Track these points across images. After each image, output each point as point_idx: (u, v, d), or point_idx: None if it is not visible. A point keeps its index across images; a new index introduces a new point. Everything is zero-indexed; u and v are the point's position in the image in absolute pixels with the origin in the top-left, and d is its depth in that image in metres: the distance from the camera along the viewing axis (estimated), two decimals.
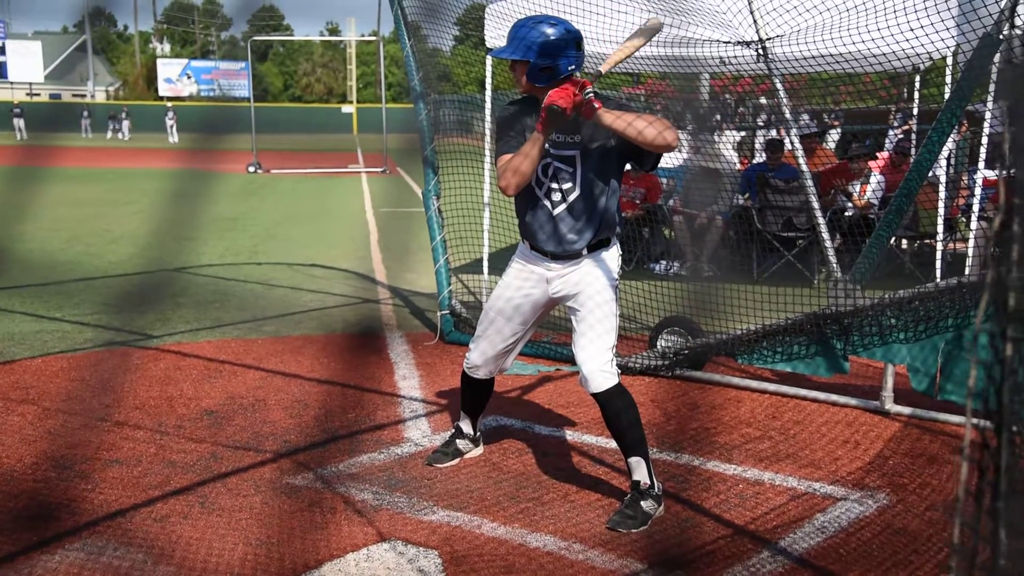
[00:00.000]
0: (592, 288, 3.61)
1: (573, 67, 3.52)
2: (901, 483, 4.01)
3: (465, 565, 3.17)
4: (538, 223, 3.65)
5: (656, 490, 3.58)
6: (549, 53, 3.48)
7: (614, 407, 3.57)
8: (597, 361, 3.55)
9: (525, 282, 3.75)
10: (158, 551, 3.21)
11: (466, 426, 4.21)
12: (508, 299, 3.79)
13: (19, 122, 43.34)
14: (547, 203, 3.62)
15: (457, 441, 4.19)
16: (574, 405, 5.01)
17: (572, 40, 3.52)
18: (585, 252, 3.63)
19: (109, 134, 46.77)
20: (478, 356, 3.94)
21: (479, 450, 4.26)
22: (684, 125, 8.75)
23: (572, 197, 3.59)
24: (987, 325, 1.32)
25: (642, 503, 3.52)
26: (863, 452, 4.40)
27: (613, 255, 3.69)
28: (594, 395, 3.59)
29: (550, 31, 3.50)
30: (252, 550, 3.23)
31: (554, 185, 3.59)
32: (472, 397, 4.15)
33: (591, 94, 3.40)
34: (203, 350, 6.01)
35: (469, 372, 4.02)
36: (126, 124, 47.33)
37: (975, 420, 1.30)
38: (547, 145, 3.54)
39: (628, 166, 3.70)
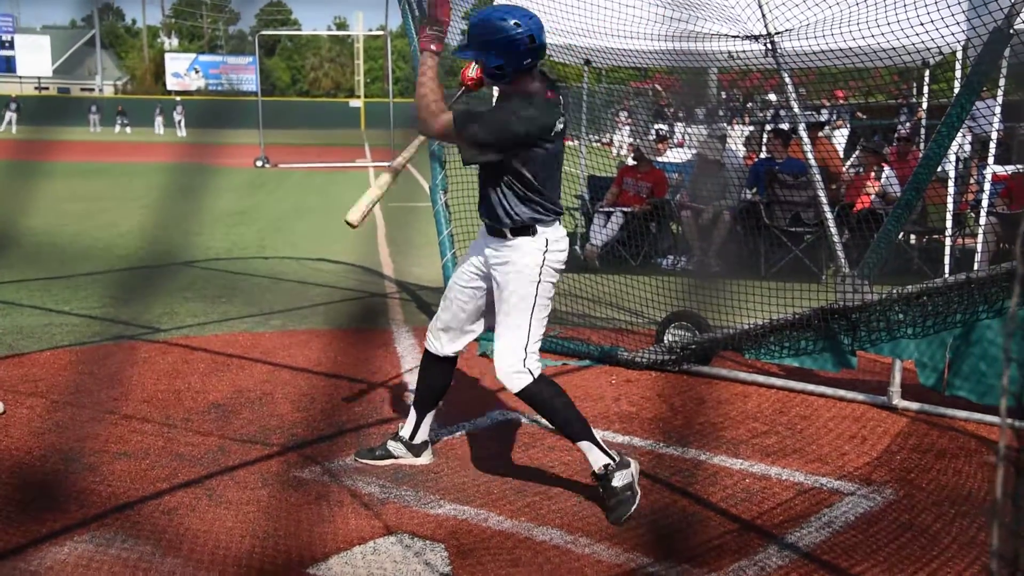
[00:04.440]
0: (508, 287, 3.57)
1: (529, 60, 3.46)
2: (908, 478, 4.00)
3: (471, 558, 3.17)
4: (480, 193, 3.68)
5: (615, 459, 3.52)
6: (499, 51, 3.43)
7: (534, 404, 3.60)
8: (505, 362, 3.55)
9: (477, 254, 3.75)
10: (166, 543, 3.22)
11: (407, 428, 3.99)
12: (464, 270, 3.80)
13: (11, 116, 43.42)
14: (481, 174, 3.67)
15: (389, 443, 4.02)
16: (580, 399, 5.00)
17: (523, 37, 3.41)
18: (509, 235, 3.57)
19: (117, 128, 46.85)
20: (436, 323, 3.88)
21: (421, 461, 4.00)
22: (694, 117, 8.73)
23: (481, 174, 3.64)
24: (999, 322, 1.30)
25: (612, 483, 3.49)
26: (870, 447, 4.39)
27: (536, 243, 3.55)
28: (516, 395, 3.59)
29: (501, 27, 3.42)
30: (259, 543, 3.24)
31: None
32: (427, 385, 3.96)
33: (433, 32, 3.50)
34: (210, 344, 6.02)
35: (427, 345, 3.91)
36: (159, 120, 47.57)
37: (1010, 420, 1.28)
38: None
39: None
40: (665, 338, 5.64)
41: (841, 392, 5.11)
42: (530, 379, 3.54)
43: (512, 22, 3.42)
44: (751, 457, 4.22)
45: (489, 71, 3.52)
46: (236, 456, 4.08)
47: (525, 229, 3.55)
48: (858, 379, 5.28)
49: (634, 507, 3.46)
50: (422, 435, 4.01)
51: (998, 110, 6.37)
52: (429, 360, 3.95)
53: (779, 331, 5.06)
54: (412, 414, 4.01)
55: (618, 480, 3.50)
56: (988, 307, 4.41)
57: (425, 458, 4.03)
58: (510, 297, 3.55)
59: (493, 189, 3.57)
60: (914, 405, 4.89)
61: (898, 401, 4.92)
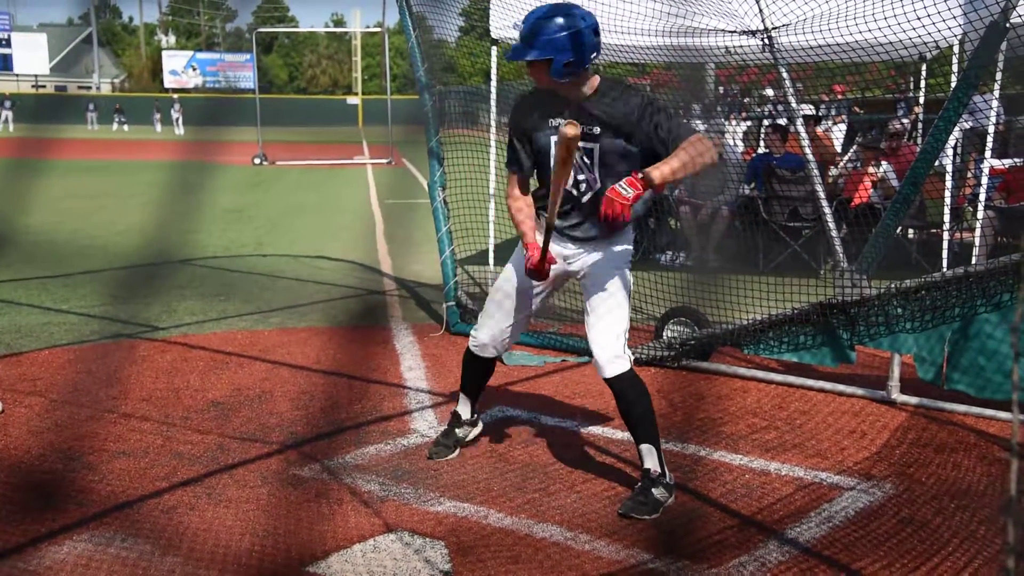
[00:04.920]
0: (604, 271, 3.62)
1: (595, 54, 3.46)
2: (908, 473, 4.00)
3: (472, 556, 3.17)
4: (561, 207, 3.61)
5: (668, 479, 3.59)
6: (569, 47, 3.38)
7: (624, 391, 3.59)
8: (608, 346, 3.56)
9: None
10: (165, 542, 3.22)
11: (464, 409, 4.16)
12: (521, 270, 3.77)
13: (6, 114, 43.39)
14: (573, 191, 3.60)
15: (456, 430, 4.16)
16: (580, 396, 5.01)
17: (589, 28, 3.43)
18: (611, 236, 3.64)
19: (114, 126, 46.82)
20: (487, 333, 3.91)
21: (478, 430, 4.23)
22: (691, 113, 8.73)
23: (597, 188, 3.56)
24: (998, 315, 1.30)
25: (653, 490, 3.53)
26: (870, 442, 4.39)
27: (627, 241, 3.70)
28: (607, 380, 3.60)
29: (566, 23, 3.39)
30: (259, 541, 3.24)
31: (580, 176, 3.57)
32: (473, 377, 4.11)
33: (629, 192, 3.33)
34: (209, 342, 6.01)
35: (475, 350, 3.98)
36: (157, 118, 47.23)
37: (1021, 416, 1.27)
38: None
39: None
40: (664, 334, 5.65)
41: (840, 387, 5.11)
42: (628, 365, 3.58)
43: (578, 16, 3.43)
44: (751, 452, 4.23)
45: (557, 70, 3.43)
46: (235, 454, 4.08)
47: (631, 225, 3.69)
48: (857, 374, 5.28)
49: (646, 518, 3.47)
50: (475, 410, 4.20)
51: (995, 103, 6.37)
52: (477, 361, 4.02)
53: (778, 326, 5.06)
54: (466, 399, 4.15)
55: (658, 492, 3.54)
56: (986, 301, 4.41)
57: (480, 426, 4.25)
58: (610, 286, 3.60)
59: None
60: (913, 399, 4.89)
61: (897, 396, 4.92)
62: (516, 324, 3.91)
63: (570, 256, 3.70)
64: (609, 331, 3.58)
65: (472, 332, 3.99)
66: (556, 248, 3.70)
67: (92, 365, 5.45)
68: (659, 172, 3.34)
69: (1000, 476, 3.97)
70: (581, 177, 3.58)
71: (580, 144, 3.50)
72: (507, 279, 3.84)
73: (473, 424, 4.22)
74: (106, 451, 4.06)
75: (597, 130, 3.52)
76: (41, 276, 8.13)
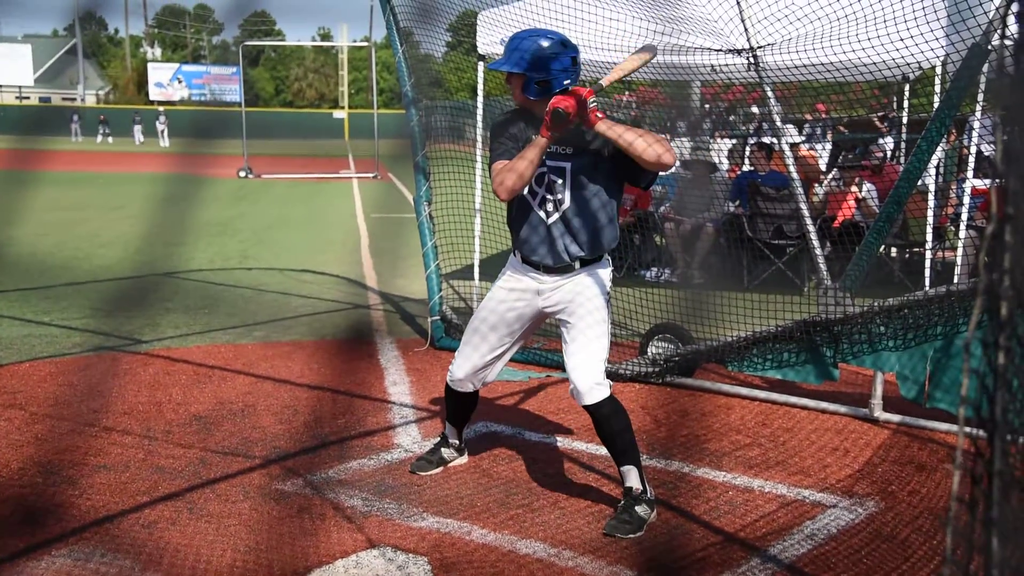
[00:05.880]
0: (584, 299, 3.62)
1: (568, 81, 3.54)
2: (890, 491, 4.02)
3: (454, 572, 3.16)
4: (532, 233, 3.64)
5: (649, 495, 3.60)
6: (545, 67, 3.50)
7: (604, 417, 3.58)
8: (589, 373, 3.55)
9: (512, 294, 3.74)
10: (146, 557, 3.19)
11: (451, 435, 4.18)
12: (495, 311, 3.77)
13: None
14: (541, 212, 3.63)
15: (442, 449, 4.17)
16: (564, 411, 5.01)
17: (568, 55, 3.54)
18: (578, 266, 3.64)
19: (99, 138, 46.61)
20: (462, 369, 3.89)
21: (464, 459, 4.23)
22: (676, 130, 8.79)
23: (564, 208, 3.60)
24: (979, 333, 1.32)
25: (636, 508, 3.53)
26: (852, 459, 4.40)
27: (606, 269, 3.71)
28: (586, 407, 3.59)
29: (547, 45, 3.52)
30: (240, 556, 3.22)
31: (548, 195, 3.60)
32: (457, 409, 4.11)
33: (594, 103, 3.39)
34: (192, 355, 5.98)
35: (453, 385, 3.98)
36: (137, 130, 46.80)
37: (968, 429, 1.30)
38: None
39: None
40: (648, 350, 5.65)
41: (823, 404, 5.13)
42: (608, 392, 3.58)
43: (558, 42, 3.55)
44: (734, 469, 4.23)
45: (530, 87, 3.54)
46: (217, 469, 4.05)
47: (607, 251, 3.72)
48: (840, 391, 5.30)
49: (630, 537, 3.47)
50: (462, 439, 4.23)
51: (977, 125, 6.43)
52: (457, 394, 4.02)
53: (762, 343, 5.08)
54: (452, 428, 4.15)
55: (641, 510, 3.54)
56: (968, 320, 4.44)
57: (465, 456, 4.24)
58: (588, 316, 3.60)
59: (602, 214, 3.64)
60: (895, 417, 4.92)
61: (879, 413, 4.94)
62: (493, 363, 3.89)
63: (545, 290, 3.68)
64: (590, 360, 3.57)
65: (450, 367, 3.97)
66: (528, 283, 3.70)
67: (73, 378, 5.41)
68: (609, 123, 3.36)
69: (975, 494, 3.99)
70: (548, 196, 3.60)
71: (550, 164, 3.57)
72: (483, 319, 3.81)
73: (459, 451, 4.21)
74: (86, 465, 4.03)
75: (568, 150, 3.57)
76: (22, 288, 8.08)
